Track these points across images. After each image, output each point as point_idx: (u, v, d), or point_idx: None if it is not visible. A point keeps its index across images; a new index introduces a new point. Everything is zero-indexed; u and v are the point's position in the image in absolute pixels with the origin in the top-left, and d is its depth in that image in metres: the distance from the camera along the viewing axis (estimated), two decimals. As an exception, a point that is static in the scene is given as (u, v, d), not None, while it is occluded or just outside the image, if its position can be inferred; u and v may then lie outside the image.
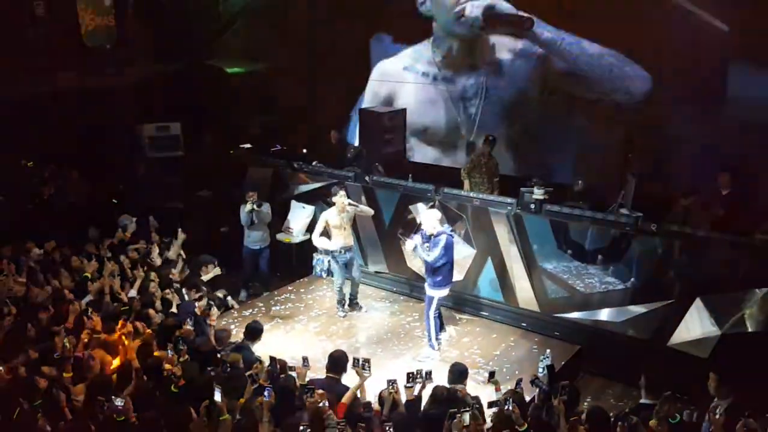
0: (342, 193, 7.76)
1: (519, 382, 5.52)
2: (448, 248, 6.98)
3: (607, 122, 9.49)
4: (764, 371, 5.64)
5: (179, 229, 8.46)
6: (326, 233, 7.92)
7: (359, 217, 8.40)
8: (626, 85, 9.29)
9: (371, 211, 8.14)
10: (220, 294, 7.98)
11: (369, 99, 11.77)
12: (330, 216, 7.79)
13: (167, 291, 7.17)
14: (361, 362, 5.30)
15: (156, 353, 5.53)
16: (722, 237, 6.50)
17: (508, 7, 10.12)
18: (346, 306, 8.10)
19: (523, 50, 10.23)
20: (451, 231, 7.27)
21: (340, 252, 7.86)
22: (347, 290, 8.13)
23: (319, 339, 7.60)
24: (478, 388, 5.96)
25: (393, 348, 7.43)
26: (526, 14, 9.96)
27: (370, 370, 5.30)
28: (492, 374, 5.55)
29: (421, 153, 11.43)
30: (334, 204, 7.82)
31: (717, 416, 4.67)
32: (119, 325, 5.96)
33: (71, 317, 6.07)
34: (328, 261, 8.89)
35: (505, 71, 10.35)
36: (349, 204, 7.79)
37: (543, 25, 9.89)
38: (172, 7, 10.63)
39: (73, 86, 9.69)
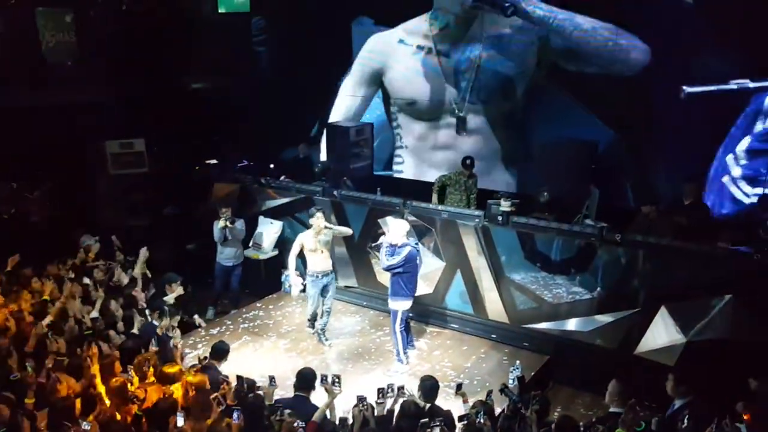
0: (319, 214, 7.46)
1: (489, 393, 5.52)
2: (410, 260, 6.99)
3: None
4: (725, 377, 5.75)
5: (144, 248, 8.30)
6: (302, 256, 7.66)
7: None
8: (623, 57, 9.15)
9: (349, 231, 7.93)
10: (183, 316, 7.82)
11: (357, 71, 11.45)
12: (306, 239, 7.50)
13: (130, 312, 7.01)
14: (331, 379, 5.25)
15: (120, 376, 5.39)
16: (685, 246, 6.62)
17: None
18: (316, 325, 7.86)
19: (522, 26, 10.00)
20: (416, 244, 7.30)
21: (316, 276, 7.56)
22: (320, 317, 7.82)
23: (289, 356, 7.52)
24: (449, 400, 5.94)
25: (364, 363, 7.38)
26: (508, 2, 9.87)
27: (340, 387, 5.25)
28: (459, 386, 5.54)
29: (408, 128, 11.22)
30: (307, 223, 7.61)
31: (684, 424, 4.73)
32: (85, 348, 5.81)
33: (32, 341, 5.89)
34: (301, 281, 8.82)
35: (502, 46, 10.19)
36: (326, 227, 7.53)
37: (535, 2, 9.75)
38: (136, 24, 10.51)
39: (33, 103, 9.49)
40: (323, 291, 7.64)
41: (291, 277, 7.78)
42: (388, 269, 7.03)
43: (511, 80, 10.19)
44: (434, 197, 8.74)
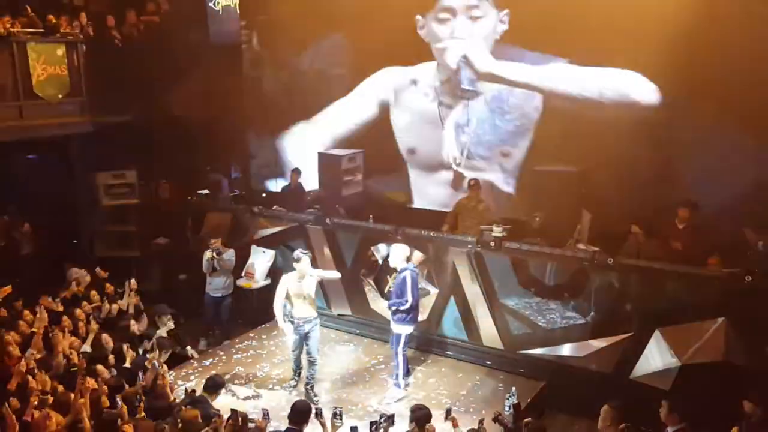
0: (305, 259, 6.94)
1: (481, 421, 5.48)
2: (414, 284, 7.02)
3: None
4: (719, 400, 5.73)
5: (132, 279, 8.26)
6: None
7: (320, 260, 8.34)
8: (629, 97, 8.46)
9: (337, 275, 7.51)
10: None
11: (362, 94, 10.86)
12: (290, 282, 7.03)
13: (121, 345, 6.95)
14: (332, 412, 5.22)
15: (108, 410, 5.32)
16: (677, 269, 6.63)
17: (480, 60, 9.50)
18: (299, 375, 7.28)
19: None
20: (415, 268, 7.28)
21: (297, 324, 7.04)
22: (304, 365, 7.25)
23: (283, 386, 7.43)
24: (445, 429, 5.88)
25: (358, 392, 7.31)
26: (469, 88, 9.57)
27: (342, 420, 5.22)
28: (449, 411, 5.51)
29: (415, 182, 10.63)
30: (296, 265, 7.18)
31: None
32: (79, 381, 5.73)
33: (15, 379, 5.80)
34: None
35: (502, 99, 9.51)
36: (310, 275, 7.00)
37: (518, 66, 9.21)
38: (128, 56, 10.61)
39: (24, 136, 9.52)
40: (305, 338, 7.10)
41: (281, 324, 7.09)
42: (411, 308, 6.99)
43: (513, 135, 9.51)
44: (445, 227, 8.57)
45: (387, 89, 10.73)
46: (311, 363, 7.16)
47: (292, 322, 7.04)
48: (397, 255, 7.13)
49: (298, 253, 7.03)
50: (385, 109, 10.74)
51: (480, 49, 9.62)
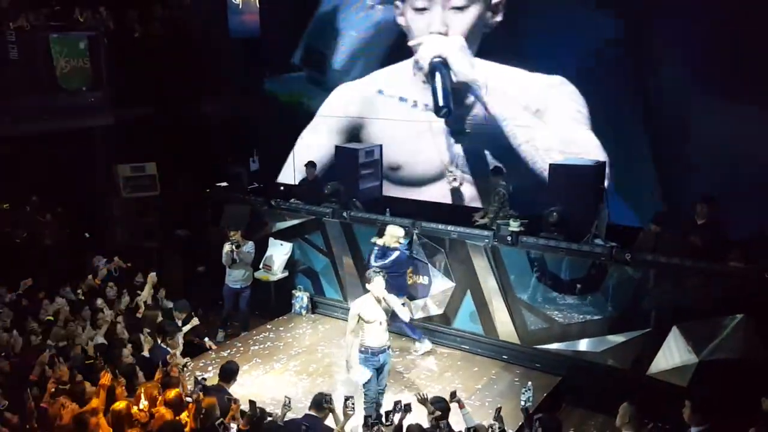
0: (379, 280, 5.97)
1: (499, 410, 5.47)
2: (398, 263, 7.57)
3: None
4: (739, 397, 5.67)
5: (152, 273, 8.36)
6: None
7: (337, 250, 8.36)
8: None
9: (407, 317, 6.63)
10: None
11: (327, 123, 9.97)
12: (364, 309, 6.00)
13: (140, 334, 7.03)
14: (344, 402, 5.26)
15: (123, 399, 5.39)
16: (695, 265, 6.57)
17: (458, 69, 8.42)
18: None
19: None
20: (406, 249, 7.75)
21: (372, 353, 6.06)
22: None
23: (300, 378, 7.49)
24: (460, 423, 5.89)
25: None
26: (442, 104, 8.62)
27: (353, 408, 5.25)
28: (453, 393, 5.50)
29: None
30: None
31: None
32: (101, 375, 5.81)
33: (37, 369, 5.91)
34: (308, 299, 8.83)
35: (503, 101, 8.56)
36: (383, 298, 6.07)
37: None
38: (148, 49, 10.70)
39: (47, 128, 9.65)
40: (380, 369, 6.19)
41: (355, 368, 6.11)
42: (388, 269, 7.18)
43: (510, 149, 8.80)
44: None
45: (353, 109, 9.51)
46: (381, 393, 6.34)
47: (364, 352, 6.08)
48: (392, 236, 7.62)
49: (370, 272, 6.11)
50: (356, 137, 9.75)
51: (460, 49, 8.26)
